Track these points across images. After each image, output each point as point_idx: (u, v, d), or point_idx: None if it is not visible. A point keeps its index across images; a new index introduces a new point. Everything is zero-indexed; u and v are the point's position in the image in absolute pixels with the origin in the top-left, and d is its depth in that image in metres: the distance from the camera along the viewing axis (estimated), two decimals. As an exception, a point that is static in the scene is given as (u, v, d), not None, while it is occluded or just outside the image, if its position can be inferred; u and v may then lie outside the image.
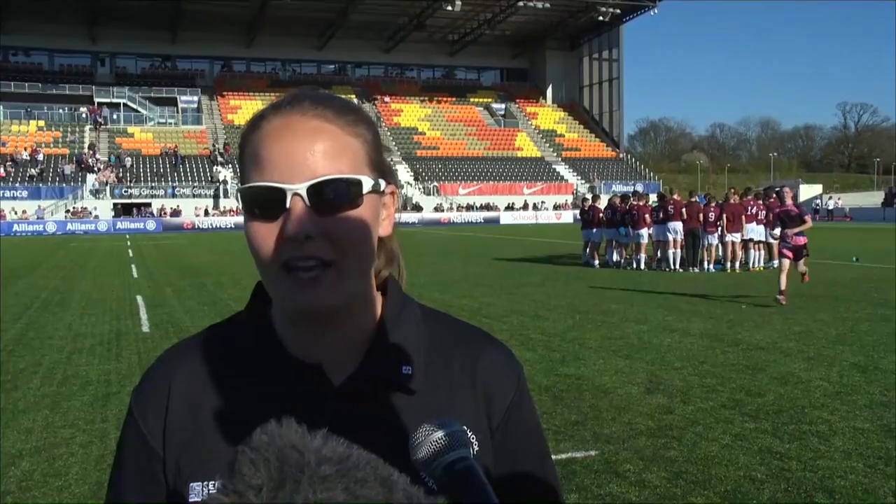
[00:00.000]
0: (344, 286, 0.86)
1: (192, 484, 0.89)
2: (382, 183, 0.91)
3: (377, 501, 0.56)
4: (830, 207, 58.57)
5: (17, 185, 54.16)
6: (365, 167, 0.89)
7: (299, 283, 0.84)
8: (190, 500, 0.88)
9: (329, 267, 0.84)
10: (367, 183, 0.87)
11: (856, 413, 5.83)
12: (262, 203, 0.84)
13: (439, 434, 0.76)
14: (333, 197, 0.84)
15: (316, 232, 0.83)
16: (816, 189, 71.36)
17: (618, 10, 68.31)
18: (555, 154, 71.81)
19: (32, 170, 56.09)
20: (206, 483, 0.88)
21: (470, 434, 0.92)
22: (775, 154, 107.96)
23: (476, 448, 0.91)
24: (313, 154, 0.84)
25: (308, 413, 0.74)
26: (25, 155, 57.48)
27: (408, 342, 0.95)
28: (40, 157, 57.77)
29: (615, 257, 19.81)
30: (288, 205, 0.83)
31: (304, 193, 0.83)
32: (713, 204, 18.29)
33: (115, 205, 54.32)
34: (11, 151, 57.67)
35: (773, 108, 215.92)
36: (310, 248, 0.83)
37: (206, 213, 55.22)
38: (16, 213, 51.44)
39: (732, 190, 19.17)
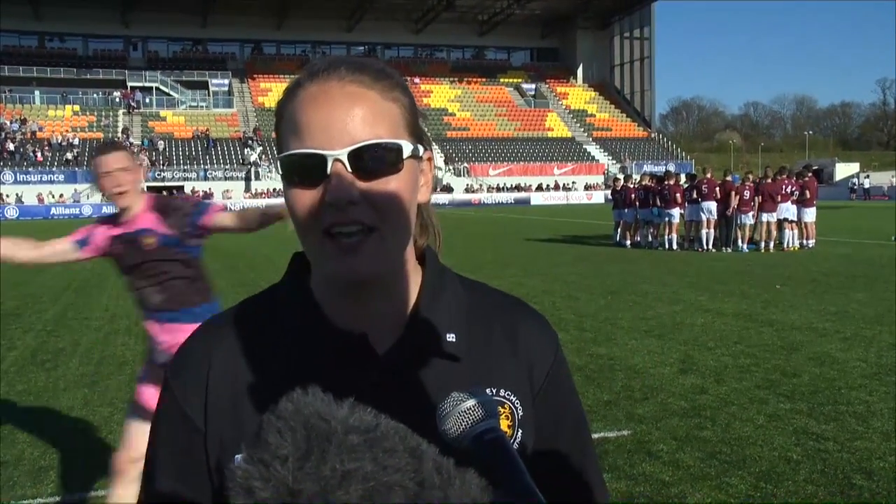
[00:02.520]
0: (385, 253, 0.86)
1: (237, 457, 0.88)
2: (420, 148, 0.91)
3: (405, 471, 0.55)
4: (867, 186, 57.35)
5: (54, 168, 55.02)
6: (403, 132, 0.88)
7: (342, 249, 0.84)
8: None
9: (372, 232, 0.84)
10: (407, 148, 0.87)
11: (894, 394, 5.74)
12: (303, 170, 0.84)
13: (468, 404, 0.74)
14: (374, 162, 0.83)
15: (358, 197, 0.82)
16: (854, 167, 70.01)
17: (650, -12, 67.32)
18: (585, 134, 71.21)
19: (68, 154, 56.92)
20: None
21: (514, 398, 0.91)
22: (811, 132, 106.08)
23: (520, 413, 0.90)
24: (352, 119, 0.84)
25: (352, 384, 0.73)
26: (62, 140, 58.33)
27: (450, 311, 0.95)
28: (76, 141, 58.58)
29: (648, 238, 19.68)
30: (329, 171, 0.82)
31: (344, 159, 0.82)
32: (748, 183, 18.03)
33: (147, 188, 54.92)
34: (48, 136, 58.56)
35: (809, 86, 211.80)
36: (353, 213, 0.82)
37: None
38: (53, 196, 52.28)
39: (768, 168, 18.92)
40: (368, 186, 0.83)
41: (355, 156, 0.82)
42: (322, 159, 0.82)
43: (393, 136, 0.86)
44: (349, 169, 0.82)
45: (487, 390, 0.90)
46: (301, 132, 0.84)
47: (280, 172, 0.87)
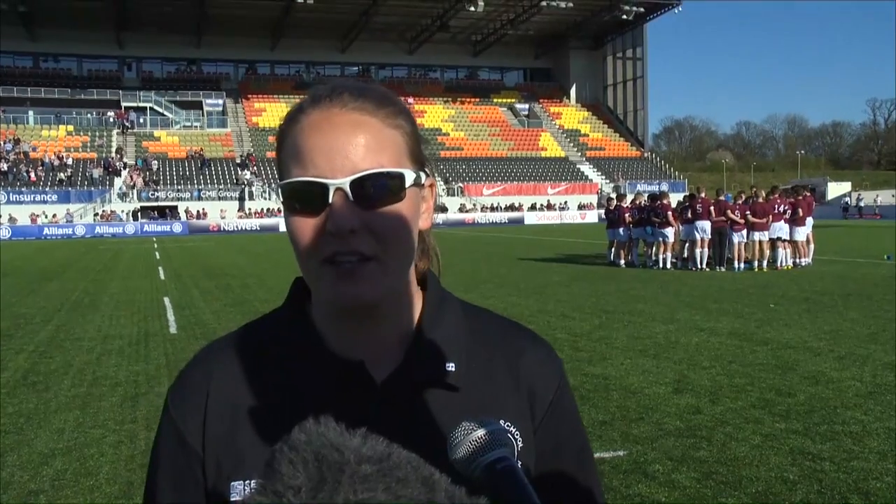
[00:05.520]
0: (385, 280, 0.86)
1: (233, 483, 0.88)
2: (423, 176, 0.90)
3: (419, 501, 0.55)
4: (861, 205, 57.78)
5: (48, 189, 54.95)
6: (406, 160, 0.88)
7: (342, 277, 0.83)
8: (231, 498, 0.88)
9: (370, 260, 0.83)
10: (409, 176, 0.87)
11: (890, 413, 5.73)
12: (304, 197, 0.84)
13: (479, 433, 0.74)
14: (376, 191, 0.83)
15: (359, 226, 0.82)
16: (845, 187, 70.47)
17: (641, 9, 67.92)
18: (579, 154, 71.52)
19: (62, 174, 56.87)
20: (247, 481, 0.88)
21: (513, 430, 0.90)
22: (802, 152, 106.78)
23: (520, 444, 0.90)
24: (355, 147, 0.84)
25: (350, 412, 0.73)
26: (55, 159, 58.32)
27: (450, 338, 0.94)
28: (69, 161, 58.57)
29: (642, 257, 19.72)
30: (331, 199, 0.82)
31: (346, 188, 0.82)
32: (739, 202, 18.11)
33: (141, 207, 54.93)
34: (42, 156, 58.54)
35: (801, 106, 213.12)
36: (353, 242, 0.82)
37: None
38: (46, 216, 52.19)
39: (753, 189, 19.04)
40: (370, 215, 0.83)
41: (357, 185, 0.82)
42: (324, 188, 0.82)
43: (395, 164, 0.86)
44: (351, 198, 0.82)
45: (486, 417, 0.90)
46: (303, 159, 0.84)
47: (280, 199, 0.87)
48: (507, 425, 0.90)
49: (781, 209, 17.63)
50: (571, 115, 77.28)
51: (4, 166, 55.84)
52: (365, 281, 0.84)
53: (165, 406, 0.96)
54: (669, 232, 18.47)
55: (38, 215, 51.93)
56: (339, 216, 0.81)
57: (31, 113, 63.55)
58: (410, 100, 73.32)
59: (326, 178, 0.82)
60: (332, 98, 0.87)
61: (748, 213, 17.45)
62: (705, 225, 17.70)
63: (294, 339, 0.93)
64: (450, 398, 0.91)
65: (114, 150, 61.30)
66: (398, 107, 0.90)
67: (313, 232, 0.83)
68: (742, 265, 17.53)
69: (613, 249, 20.23)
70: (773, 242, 17.72)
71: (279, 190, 0.87)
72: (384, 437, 0.59)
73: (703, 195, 18.45)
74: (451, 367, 0.92)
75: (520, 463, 0.81)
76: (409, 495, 0.54)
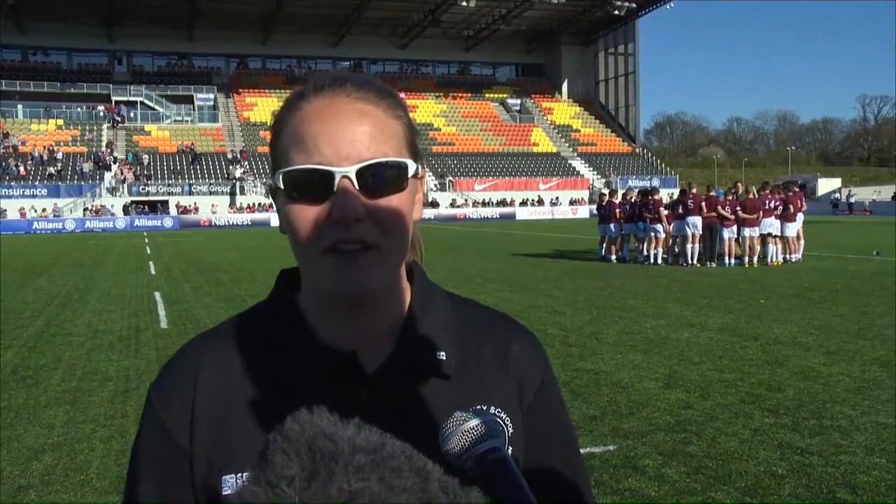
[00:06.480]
0: (384, 269, 0.86)
1: (224, 476, 0.87)
2: (419, 167, 0.91)
3: (412, 491, 0.55)
4: (852, 201, 58.07)
5: (37, 183, 54.68)
6: (405, 151, 0.88)
7: (344, 265, 0.83)
8: (223, 492, 0.86)
9: (371, 249, 0.83)
10: (411, 167, 0.87)
11: (878, 408, 5.77)
12: (308, 185, 0.83)
13: (471, 424, 0.74)
14: (380, 180, 0.83)
15: (364, 215, 0.82)
16: (835, 183, 70.80)
17: (633, 4, 67.94)
18: (570, 149, 71.57)
19: (51, 168, 56.57)
20: (239, 475, 0.86)
21: (504, 416, 0.91)
22: (793, 148, 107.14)
23: (511, 430, 0.90)
24: (360, 136, 0.84)
25: (342, 401, 0.73)
26: (44, 153, 58.01)
27: (440, 328, 0.94)
28: (59, 155, 58.26)
29: (633, 252, 19.76)
30: (336, 187, 0.82)
31: (352, 176, 0.82)
32: (729, 198, 18.17)
33: (131, 202, 54.71)
34: (31, 150, 58.22)
35: (791, 102, 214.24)
36: (357, 230, 0.82)
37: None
38: (35, 211, 51.93)
39: (739, 184, 19.13)
40: (373, 204, 0.83)
41: (363, 173, 0.82)
42: (329, 175, 0.82)
43: (397, 154, 0.86)
44: (356, 186, 0.82)
45: (477, 407, 0.90)
46: (306, 146, 0.84)
47: (279, 187, 0.85)
48: (498, 411, 0.91)
49: (772, 205, 17.68)
50: (563, 110, 77.32)
51: (-7, 160, 55.54)
52: (366, 269, 0.84)
53: (148, 400, 0.93)
54: (660, 227, 18.50)
55: (27, 209, 51.65)
56: (345, 204, 0.81)
57: (20, 107, 63.15)
58: (402, 94, 72.51)
59: (332, 166, 0.82)
60: (335, 87, 0.87)
61: (738, 208, 17.52)
62: (696, 220, 17.74)
63: (283, 330, 0.92)
64: (441, 386, 0.91)
65: (104, 144, 60.99)
66: (397, 99, 0.91)
67: (316, 220, 0.83)
68: (732, 261, 17.58)
69: (604, 245, 20.26)
70: (764, 238, 17.77)
71: (279, 177, 0.85)
72: (376, 427, 0.59)
73: (694, 191, 18.47)
74: (441, 355, 0.92)
75: (511, 450, 0.82)
76: (403, 485, 0.55)
